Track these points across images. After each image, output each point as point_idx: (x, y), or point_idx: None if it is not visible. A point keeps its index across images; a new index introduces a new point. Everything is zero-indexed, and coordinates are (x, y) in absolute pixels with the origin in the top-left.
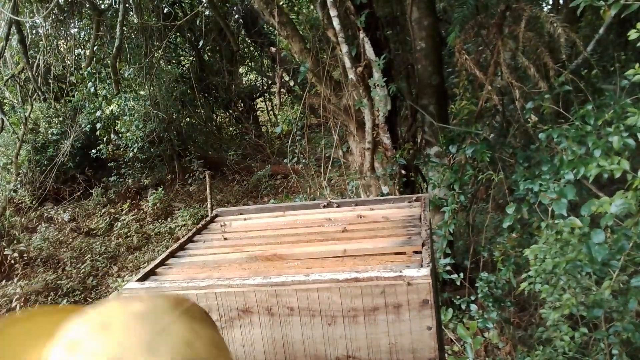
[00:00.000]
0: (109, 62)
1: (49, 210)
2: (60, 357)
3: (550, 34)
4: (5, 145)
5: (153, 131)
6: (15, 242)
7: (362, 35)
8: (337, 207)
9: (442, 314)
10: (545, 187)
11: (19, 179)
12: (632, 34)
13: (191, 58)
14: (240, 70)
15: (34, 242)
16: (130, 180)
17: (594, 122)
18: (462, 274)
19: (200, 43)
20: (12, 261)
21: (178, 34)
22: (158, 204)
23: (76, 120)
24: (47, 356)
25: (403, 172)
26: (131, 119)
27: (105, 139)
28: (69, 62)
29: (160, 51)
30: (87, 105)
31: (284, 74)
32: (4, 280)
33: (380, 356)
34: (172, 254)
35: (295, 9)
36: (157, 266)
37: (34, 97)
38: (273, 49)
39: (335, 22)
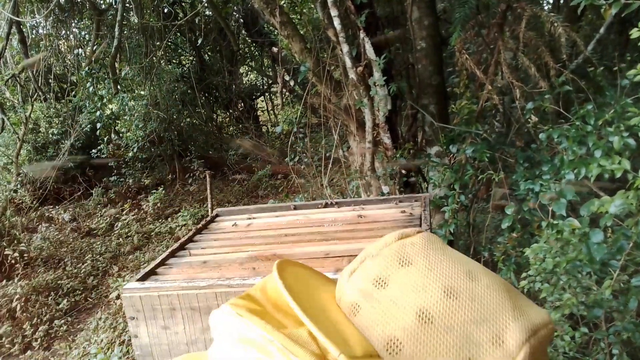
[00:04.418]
0: (108, 61)
1: (50, 210)
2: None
3: (551, 34)
4: (6, 145)
5: (153, 131)
6: (15, 242)
7: (362, 35)
8: (337, 206)
9: None
10: (546, 187)
11: (19, 179)
12: (634, 33)
13: (191, 58)
14: (241, 70)
15: (34, 242)
16: (130, 180)
17: (594, 122)
18: None
19: (200, 41)
20: (13, 261)
21: (178, 33)
22: (158, 204)
23: (76, 119)
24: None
25: (403, 171)
26: (131, 119)
27: (105, 138)
28: (69, 62)
29: (160, 51)
30: (87, 105)
31: (284, 74)
32: (4, 280)
33: None
34: (172, 254)
35: (296, 8)
36: (157, 266)
37: (34, 97)
38: (275, 49)
39: (336, 22)
